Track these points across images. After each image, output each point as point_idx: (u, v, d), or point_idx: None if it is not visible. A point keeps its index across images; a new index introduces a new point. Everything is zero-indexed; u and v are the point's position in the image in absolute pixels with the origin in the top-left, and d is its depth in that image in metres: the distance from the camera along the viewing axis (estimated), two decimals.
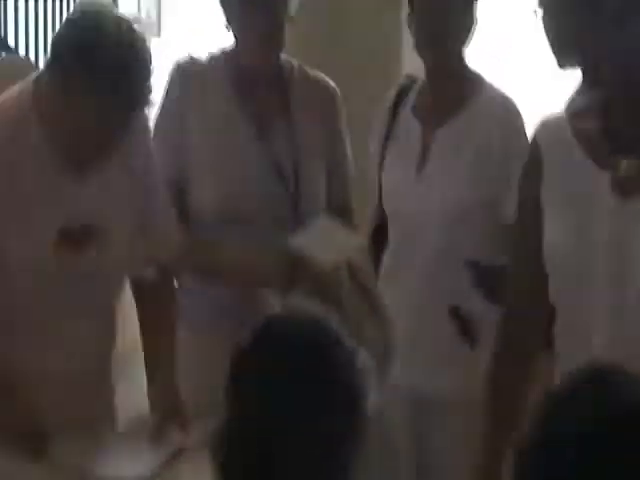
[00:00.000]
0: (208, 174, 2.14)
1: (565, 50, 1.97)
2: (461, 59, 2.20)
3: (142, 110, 1.82)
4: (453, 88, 2.19)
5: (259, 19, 2.11)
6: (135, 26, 1.77)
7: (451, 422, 2.06)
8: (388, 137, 2.23)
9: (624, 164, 1.49)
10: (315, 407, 1.10)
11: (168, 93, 2.20)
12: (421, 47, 2.19)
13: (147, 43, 1.80)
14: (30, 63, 4.46)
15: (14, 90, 1.84)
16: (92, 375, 1.92)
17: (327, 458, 1.10)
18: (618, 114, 1.54)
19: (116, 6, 4.46)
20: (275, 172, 2.16)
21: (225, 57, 2.23)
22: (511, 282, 1.74)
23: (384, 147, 2.23)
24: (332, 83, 2.29)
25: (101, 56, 1.66)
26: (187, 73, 2.22)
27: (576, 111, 1.65)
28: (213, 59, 2.24)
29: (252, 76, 2.20)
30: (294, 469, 1.09)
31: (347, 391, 1.12)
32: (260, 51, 2.16)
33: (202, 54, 2.25)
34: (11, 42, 4.98)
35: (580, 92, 1.89)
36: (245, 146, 2.16)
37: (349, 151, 2.27)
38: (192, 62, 2.24)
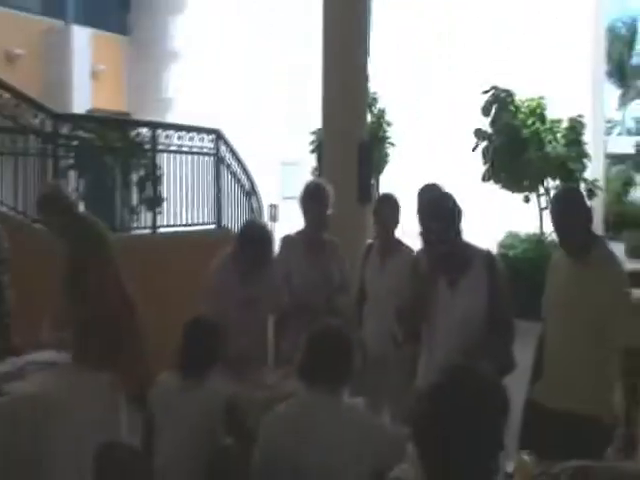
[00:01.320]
0: (296, 280, 4.65)
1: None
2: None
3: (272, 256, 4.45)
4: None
5: (311, 216, 4.74)
6: (265, 222, 5.28)
7: None
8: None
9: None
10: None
11: (281, 249, 4.74)
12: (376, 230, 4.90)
13: (271, 231, 4.51)
14: (229, 232, 8.87)
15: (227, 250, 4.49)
16: None
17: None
18: None
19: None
20: (325, 281, 4.69)
21: (303, 233, 4.81)
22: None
23: None
24: (338, 242, 4.91)
25: (250, 243, 4.31)
26: (287, 242, 4.81)
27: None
28: (298, 233, 4.83)
29: (312, 242, 4.77)
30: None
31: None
32: (313, 232, 4.82)
33: (294, 231, 4.86)
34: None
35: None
36: (311, 271, 4.67)
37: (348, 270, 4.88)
38: (289, 237, 4.82)
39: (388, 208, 4.90)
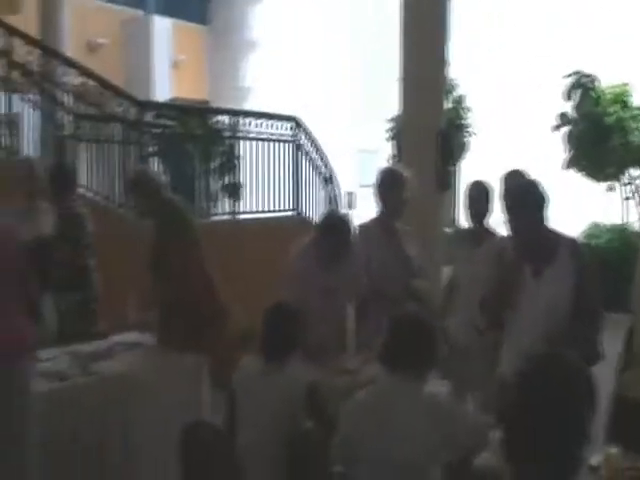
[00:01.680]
0: (374, 267, 4.58)
1: None
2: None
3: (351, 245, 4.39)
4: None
5: (386, 203, 4.72)
6: (345, 211, 5.91)
7: None
8: None
9: None
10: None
11: (359, 237, 4.57)
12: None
13: (350, 219, 4.49)
14: (307, 219, 9.00)
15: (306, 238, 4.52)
16: None
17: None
18: None
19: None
20: (403, 267, 4.69)
21: (378, 220, 4.78)
22: None
23: None
24: (409, 229, 4.85)
25: (330, 232, 4.34)
26: (364, 230, 4.71)
27: None
28: (374, 221, 4.79)
29: (388, 229, 4.74)
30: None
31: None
32: (388, 219, 4.76)
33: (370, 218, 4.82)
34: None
35: None
36: (389, 258, 4.66)
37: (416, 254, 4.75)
38: (366, 225, 4.78)
39: (478, 196, 4.88)
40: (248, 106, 16.30)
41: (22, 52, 7.51)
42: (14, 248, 3.65)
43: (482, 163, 12.08)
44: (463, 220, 5.86)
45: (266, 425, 3.50)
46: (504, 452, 2.12)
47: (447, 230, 7.61)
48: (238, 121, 8.59)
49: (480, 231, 4.92)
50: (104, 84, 7.72)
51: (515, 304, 3.65)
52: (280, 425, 3.49)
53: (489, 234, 4.89)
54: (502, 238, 4.42)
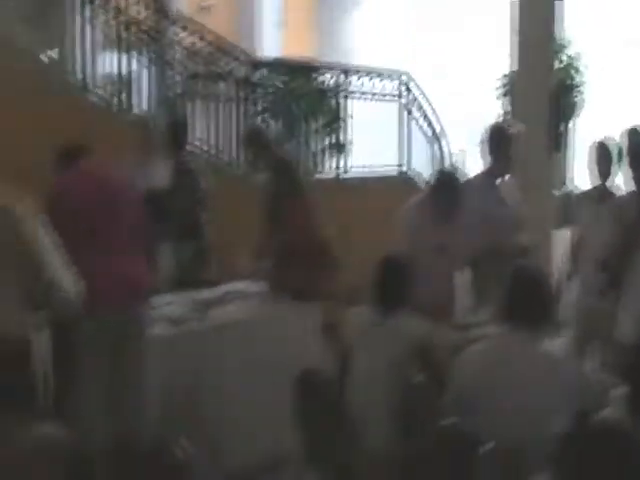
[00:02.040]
0: (485, 224, 4.44)
1: None
2: None
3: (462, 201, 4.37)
4: None
5: (494, 158, 4.70)
6: (456, 169, 5.48)
7: None
8: None
9: None
10: None
11: (468, 193, 4.45)
12: None
13: (461, 177, 4.68)
14: (416, 177, 9.08)
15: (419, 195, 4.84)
16: None
17: None
18: None
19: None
20: (513, 222, 4.66)
21: (486, 175, 4.74)
22: None
23: None
24: (514, 183, 4.96)
25: (442, 190, 4.43)
26: (472, 185, 4.67)
27: None
28: (481, 176, 4.81)
29: (496, 183, 4.72)
30: None
31: None
32: (497, 175, 4.74)
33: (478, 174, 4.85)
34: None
35: None
36: (498, 212, 4.59)
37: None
38: (474, 181, 4.82)
39: (603, 155, 4.81)
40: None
41: (134, 11, 7.62)
42: (131, 200, 3.76)
43: (598, 123, 11.68)
44: (576, 181, 5.75)
45: (378, 374, 3.53)
46: (629, 406, 2.09)
47: (556, 192, 7.48)
48: (346, 79, 8.54)
49: (604, 191, 4.84)
50: (215, 43, 7.81)
51: (636, 263, 3.54)
52: (391, 375, 3.49)
53: (612, 194, 4.78)
54: (621, 197, 4.30)
